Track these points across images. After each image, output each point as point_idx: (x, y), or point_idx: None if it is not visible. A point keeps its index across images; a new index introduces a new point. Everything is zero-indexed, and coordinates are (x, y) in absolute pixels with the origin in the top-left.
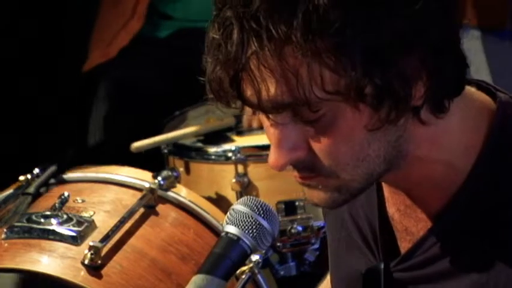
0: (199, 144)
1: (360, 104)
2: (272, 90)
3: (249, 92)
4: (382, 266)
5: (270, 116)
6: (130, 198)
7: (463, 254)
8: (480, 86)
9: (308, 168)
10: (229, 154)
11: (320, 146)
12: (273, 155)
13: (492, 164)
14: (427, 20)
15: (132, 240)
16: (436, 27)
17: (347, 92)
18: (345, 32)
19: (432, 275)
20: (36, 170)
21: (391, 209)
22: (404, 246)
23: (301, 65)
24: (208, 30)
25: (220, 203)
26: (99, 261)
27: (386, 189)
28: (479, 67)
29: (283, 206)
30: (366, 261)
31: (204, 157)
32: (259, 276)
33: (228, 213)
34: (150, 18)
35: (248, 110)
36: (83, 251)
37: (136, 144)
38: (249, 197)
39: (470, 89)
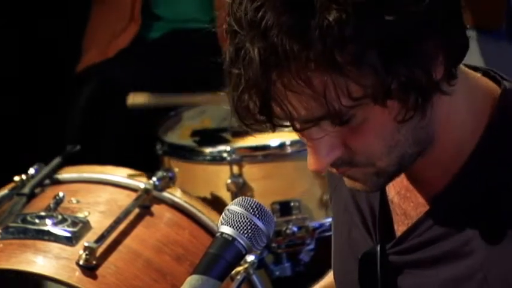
0: (194, 145)
1: (387, 100)
2: (302, 110)
3: (279, 116)
4: (378, 248)
5: (304, 132)
6: (125, 198)
7: (461, 237)
8: (487, 73)
9: (346, 164)
10: (224, 155)
11: (355, 143)
12: (312, 160)
13: (493, 147)
14: (433, 5)
15: (127, 241)
16: (441, 8)
17: (374, 94)
18: (361, 42)
19: (428, 259)
20: (31, 171)
21: (391, 193)
22: (401, 229)
23: (326, 83)
24: (226, 53)
25: (215, 203)
26: (94, 262)
27: None
28: None
29: (278, 207)
30: (364, 244)
31: (199, 158)
32: (254, 277)
33: (223, 213)
34: (141, 20)
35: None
36: (78, 251)
37: (132, 100)
38: (244, 197)
39: (476, 74)
